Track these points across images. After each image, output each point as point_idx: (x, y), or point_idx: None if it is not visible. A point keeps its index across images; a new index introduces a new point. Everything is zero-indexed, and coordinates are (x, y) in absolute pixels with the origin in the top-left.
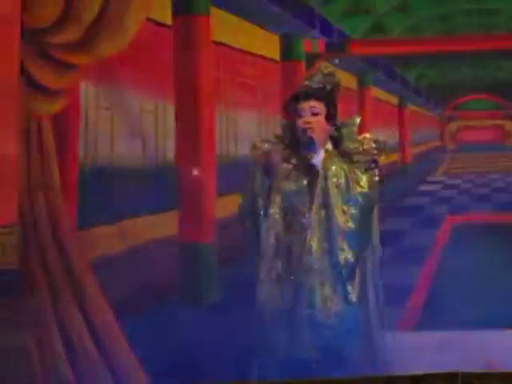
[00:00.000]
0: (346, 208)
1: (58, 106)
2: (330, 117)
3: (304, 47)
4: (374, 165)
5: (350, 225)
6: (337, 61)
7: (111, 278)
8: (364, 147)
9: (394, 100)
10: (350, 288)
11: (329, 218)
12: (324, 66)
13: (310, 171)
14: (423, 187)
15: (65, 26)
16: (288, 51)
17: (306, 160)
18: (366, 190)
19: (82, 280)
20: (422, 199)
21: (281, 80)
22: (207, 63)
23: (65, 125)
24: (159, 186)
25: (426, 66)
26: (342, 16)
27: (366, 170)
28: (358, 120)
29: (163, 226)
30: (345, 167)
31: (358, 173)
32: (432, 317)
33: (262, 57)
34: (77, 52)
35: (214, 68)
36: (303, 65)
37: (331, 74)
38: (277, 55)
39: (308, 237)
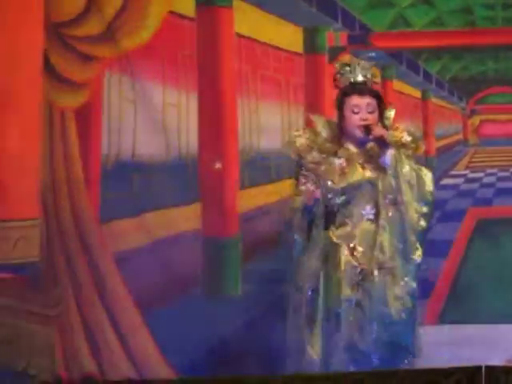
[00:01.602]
0: (417, 207)
1: (81, 98)
2: (381, 113)
3: (327, 40)
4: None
5: (422, 223)
6: (373, 54)
7: (134, 271)
8: (403, 140)
9: (417, 93)
10: (415, 284)
11: (401, 216)
12: (357, 60)
13: (371, 166)
14: (446, 181)
15: (88, 19)
16: (311, 44)
17: (366, 155)
18: (433, 187)
19: (105, 273)
20: (445, 193)
21: (304, 73)
22: (230, 56)
23: (88, 118)
24: (182, 179)
25: (448, 60)
26: (364, 8)
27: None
28: (393, 112)
29: (186, 219)
30: (413, 165)
31: (423, 169)
32: (455, 310)
33: (284, 49)
34: (100, 45)
35: (237, 61)
36: (326, 58)
37: (369, 67)
38: (300, 48)
39: (378, 234)
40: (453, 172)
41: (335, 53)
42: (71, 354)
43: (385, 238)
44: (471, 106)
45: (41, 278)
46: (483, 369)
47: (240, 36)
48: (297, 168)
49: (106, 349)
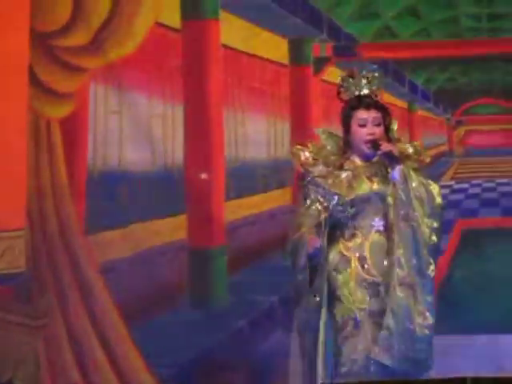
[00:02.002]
0: (428, 221)
1: (67, 109)
2: (387, 126)
3: (312, 51)
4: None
5: (434, 238)
6: (375, 67)
7: (120, 281)
8: (406, 152)
9: (403, 104)
10: (431, 299)
11: (414, 232)
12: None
13: (378, 179)
14: None
15: (74, 29)
16: (297, 55)
17: (373, 168)
18: (441, 201)
19: (91, 284)
20: None
21: (289, 84)
22: (216, 67)
23: (74, 128)
24: (168, 190)
25: (434, 70)
26: (350, 19)
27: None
28: (395, 124)
29: (172, 229)
30: (422, 179)
31: (431, 182)
32: (442, 321)
33: (270, 61)
34: (86, 55)
35: (223, 72)
36: (311, 69)
37: (376, 79)
38: (285, 59)
39: (393, 250)
40: (439, 183)
41: (321, 64)
42: (57, 364)
43: (401, 254)
44: (457, 116)
45: (27, 288)
46: (468, 380)
47: (226, 47)
48: (302, 182)
49: (92, 360)
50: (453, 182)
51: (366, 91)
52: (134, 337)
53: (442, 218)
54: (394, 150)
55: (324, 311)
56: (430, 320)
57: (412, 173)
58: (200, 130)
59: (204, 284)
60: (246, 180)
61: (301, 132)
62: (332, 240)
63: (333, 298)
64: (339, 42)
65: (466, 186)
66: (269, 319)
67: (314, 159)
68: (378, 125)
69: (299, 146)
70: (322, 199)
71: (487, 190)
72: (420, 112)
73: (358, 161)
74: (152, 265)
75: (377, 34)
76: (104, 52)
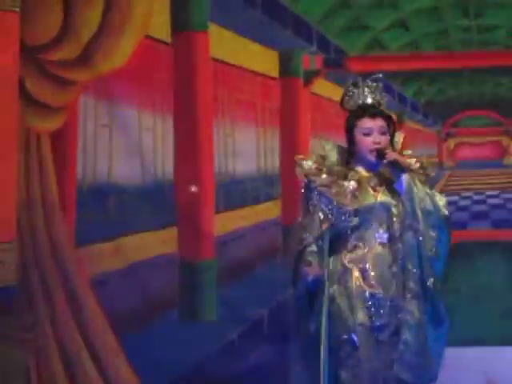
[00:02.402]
0: (432, 233)
1: (56, 122)
2: (393, 134)
3: (302, 64)
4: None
5: (436, 251)
6: (380, 75)
7: (110, 294)
8: (412, 167)
9: (393, 116)
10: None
11: (419, 242)
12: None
13: (383, 189)
14: None
15: (63, 42)
16: (287, 67)
17: (378, 178)
18: (447, 213)
19: (81, 297)
20: None
21: (279, 96)
22: (206, 80)
23: (64, 141)
24: (158, 203)
25: (424, 83)
26: (340, 32)
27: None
28: (402, 137)
29: (162, 243)
30: (427, 190)
31: (437, 194)
32: None
33: (260, 73)
34: (75, 69)
35: (213, 85)
36: (301, 81)
37: (380, 88)
38: (276, 71)
39: (404, 262)
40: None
41: (311, 76)
42: (47, 377)
43: (410, 265)
44: (447, 128)
45: (16, 301)
46: None
47: (216, 60)
48: (305, 192)
49: (82, 373)
50: (443, 195)
51: (369, 100)
52: (124, 350)
53: (449, 230)
54: (400, 158)
55: (324, 335)
56: (437, 330)
57: (418, 183)
58: (190, 143)
59: (194, 297)
60: (235, 193)
61: (291, 144)
62: (334, 251)
63: (331, 313)
64: (329, 54)
65: (455, 198)
66: (259, 332)
67: (317, 169)
68: (384, 133)
69: (302, 156)
70: (325, 208)
71: (477, 203)
72: (410, 124)
73: (362, 171)
74: (142, 278)
75: (366, 47)
76: (94, 65)
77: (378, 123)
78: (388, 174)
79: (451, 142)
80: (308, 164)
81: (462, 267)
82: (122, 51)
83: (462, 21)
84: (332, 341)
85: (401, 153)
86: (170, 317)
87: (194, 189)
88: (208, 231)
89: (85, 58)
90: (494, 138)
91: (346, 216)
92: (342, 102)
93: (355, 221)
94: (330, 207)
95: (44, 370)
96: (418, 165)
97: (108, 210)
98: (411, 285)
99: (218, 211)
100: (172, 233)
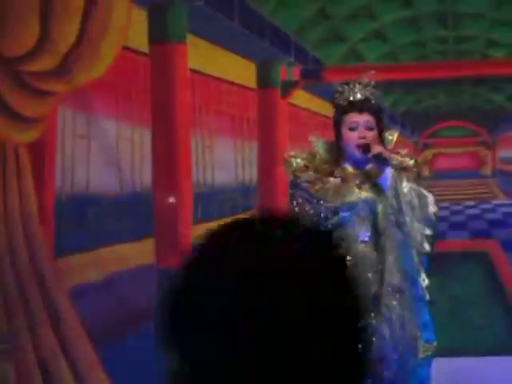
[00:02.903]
0: (421, 228)
1: (34, 133)
2: (381, 132)
3: (280, 75)
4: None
5: (426, 246)
6: (372, 72)
7: (89, 306)
8: (405, 164)
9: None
10: (423, 307)
11: (405, 237)
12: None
13: (368, 186)
14: None
15: (41, 54)
16: (264, 79)
17: (364, 175)
18: (436, 209)
19: (60, 308)
20: None
21: (257, 107)
22: (184, 91)
23: (42, 153)
24: (136, 214)
25: (401, 93)
26: (317, 43)
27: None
28: (395, 135)
29: (140, 253)
30: (414, 186)
31: (424, 191)
32: None
33: (238, 84)
34: (53, 80)
35: (191, 96)
36: (279, 92)
37: (371, 85)
38: (253, 82)
39: (388, 257)
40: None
41: (288, 87)
42: None
43: (392, 260)
44: (424, 139)
45: None
46: None
47: (194, 71)
48: (291, 189)
49: None
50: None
51: (359, 96)
52: (103, 361)
53: (437, 227)
54: (385, 152)
55: None
56: (421, 331)
57: (403, 177)
58: (168, 154)
59: None
60: (213, 203)
61: (269, 155)
62: None
63: None
64: (306, 65)
65: None
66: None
67: (305, 166)
68: (371, 129)
69: (292, 153)
70: (307, 204)
71: (455, 213)
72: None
73: (349, 168)
74: (121, 289)
75: (344, 58)
76: (72, 76)
77: (364, 118)
78: (375, 170)
79: (429, 153)
80: (296, 161)
81: (440, 277)
82: (99, 62)
83: (439, 31)
84: None
85: (395, 151)
86: (149, 328)
87: (172, 200)
88: (186, 242)
89: (63, 70)
90: (472, 149)
91: (327, 213)
92: (333, 99)
93: (336, 219)
94: (311, 203)
95: (23, 380)
96: (411, 162)
97: (86, 221)
98: (391, 279)
99: (196, 222)
100: (150, 243)
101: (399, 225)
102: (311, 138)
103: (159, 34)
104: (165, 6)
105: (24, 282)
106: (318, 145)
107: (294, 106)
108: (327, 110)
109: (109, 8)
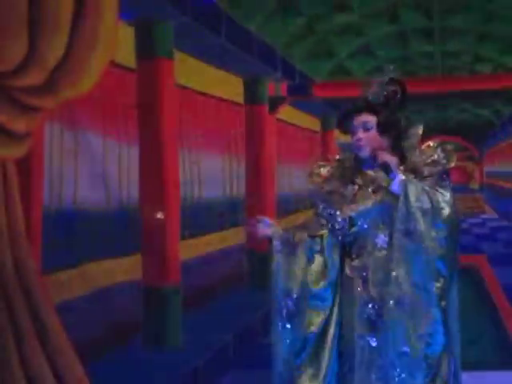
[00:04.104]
0: (434, 233)
1: (22, 149)
2: (383, 129)
3: (268, 90)
4: (446, 176)
5: (442, 251)
6: (391, 67)
7: (75, 321)
8: (433, 158)
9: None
10: (438, 316)
11: (417, 247)
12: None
13: (383, 190)
14: None
15: (29, 69)
16: (252, 94)
17: (376, 181)
18: (451, 209)
19: (47, 324)
20: None
21: (245, 123)
22: (171, 106)
23: (29, 168)
24: (123, 229)
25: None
26: (305, 58)
27: (441, 183)
28: (420, 130)
29: (127, 268)
30: (426, 187)
31: (440, 189)
32: None
33: (225, 100)
34: (41, 95)
35: (178, 111)
36: (266, 108)
37: (390, 82)
38: (241, 98)
39: (392, 267)
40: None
41: (276, 102)
42: None
43: (401, 273)
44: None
45: None
46: None
47: (181, 87)
48: (314, 200)
49: None
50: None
51: (368, 97)
52: (89, 376)
53: (455, 228)
54: (391, 159)
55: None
56: (439, 340)
57: (413, 182)
58: (155, 169)
59: (158, 323)
60: (201, 219)
61: (256, 170)
62: (343, 261)
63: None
64: (294, 80)
65: None
66: (223, 358)
67: (330, 175)
68: (368, 129)
69: (322, 163)
70: (326, 215)
71: None
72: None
73: (368, 172)
74: (107, 304)
75: (331, 73)
76: (60, 92)
77: (361, 119)
78: (380, 174)
79: None
80: (322, 171)
81: None
82: (87, 78)
83: (426, 47)
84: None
85: (420, 145)
86: (135, 343)
87: (159, 215)
88: (173, 257)
89: (50, 85)
90: (459, 164)
91: (344, 223)
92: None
93: (353, 230)
94: (329, 213)
95: None
96: (442, 155)
97: (73, 236)
98: (401, 293)
99: (183, 237)
100: (137, 259)
101: (409, 233)
102: (337, 143)
103: (146, 50)
104: (152, 22)
105: (11, 298)
106: (346, 151)
107: (282, 121)
108: (315, 125)
109: (96, 24)
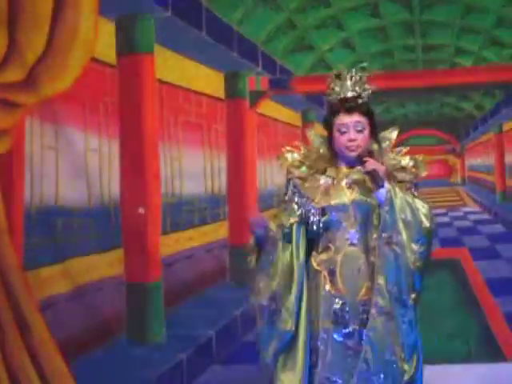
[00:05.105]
0: (414, 246)
1: (3, 146)
2: (373, 132)
3: (248, 85)
4: (415, 184)
5: (419, 265)
6: (365, 64)
7: (58, 317)
8: (402, 164)
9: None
10: (413, 330)
11: (397, 257)
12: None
13: (359, 187)
14: None
15: (9, 65)
16: (233, 89)
17: (357, 175)
18: (430, 222)
19: (30, 320)
20: None
21: (226, 117)
22: (152, 102)
23: (10, 165)
24: (105, 225)
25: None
26: (285, 53)
27: (411, 191)
28: (395, 134)
29: (109, 264)
30: (408, 199)
31: (419, 201)
32: None
33: (206, 95)
34: (21, 92)
35: (159, 107)
36: (247, 103)
37: (363, 81)
38: (222, 93)
39: (378, 277)
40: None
41: (257, 97)
42: None
43: (382, 281)
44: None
45: None
46: None
47: (161, 82)
48: (286, 183)
49: None
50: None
51: (350, 94)
52: (73, 373)
53: (431, 242)
54: (380, 168)
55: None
56: (414, 351)
57: (398, 192)
58: (136, 165)
59: (141, 318)
60: (182, 214)
61: (238, 165)
62: (310, 253)
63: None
64: (274, 75)
65: None
66: (206, 353)
67: (300, 161)
68: (361, 130)
69: (289, 148)
70: (297, 201)
71: None
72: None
73: (343, 167)
74: (90, 300)
75: (312, 67)
76: (39, 88)
77: (353, 119)
78: (364, 176)
79: None
80: (293, 156)
81: None
82: (67, 74)
83: (407, 40)
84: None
85: (393, 149)
86: (118, 339)
87: (140, 210)
88: (154, 253)
89: (30, 81)
90: (441, 157)
91: (315, 213)
92: (325, 95)
93: (324, 219)
94: (301, 200)
95: None
96: (411, 163)
97: (55, 232)
98: (380, 301)
99: (164, 232)
100: (119, 255)
101: (392, 243)
102: (309, 133)
103: (127, 45)
104: (132, 17)
105: None
106: (316, 140)
107: (263, 115)
108: (296, 119)
109: (76, 20)
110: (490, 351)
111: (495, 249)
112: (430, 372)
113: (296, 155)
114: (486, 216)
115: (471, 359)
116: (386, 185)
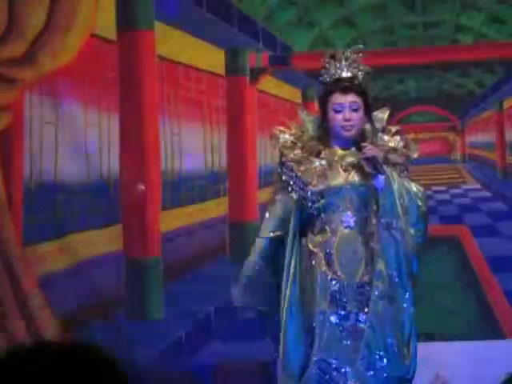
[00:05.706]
0: (413, 231)
1: (3, 121)
2: (368, 111)
3: (249, 61)
4: (408, 165)
5: (416, 249)
6: (361, 46)
7: (58, 293)
8: (391, 145)
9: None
10: (411, 312)
11: (397, 242)
12: (347, 52)
13: (355, 170)
14: None
15: (9, 41)
16: (233, 65)
17: (353, 157)
18: (426, 206)
19: (30, 296)
20: None
21: (226, 94)
22: (151, 78)
23: (10, 141)
24: (104, 200)
25: (370, 79)
26: (285, 29)
27: (405, 173)
28: (386, 114)
29: (109, 240)
30: (406, 183)
31: (415, 185)
32: None
33: (206, 71)
34: (21, 67)
35: (159, 83)
36: (247, 79)
37: (358, 61)
38: (222, 69)
39: (378, 261)
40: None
41: (257, 73)
42: None
43: (383, 267)
44: (393, 125)
45: None
46: None
47: (162, 58)
48: (278, 167)
49: None
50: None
51: (345, 74)
52: None
53: (427, 225)
54: (379, 154)
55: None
56: (408, 337)
57: (396, 177)
58: (136, 141)
59: (140, 295)
60: (182, 190)
61: (238, 141)
62: (304, 234)
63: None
64: (275, 51)
65: None
66: (205, 329)
67: (292, 142)
68: (356, 110)
69: (281, 128)
70: (293, 185)
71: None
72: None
73: (337, 149)
74: (89, 276)
75: (312, 44)
76: (39, 64)
77: (349, 99)
78: (360, 159)
79: None
80: (285, 137)
81: None
82: (67, 49)
83: (408, 17)
84: (301, 327)
85: (385, 129)
86: (117, 315)
87: (140, 186)
88: (154, 229)
89: (30, 57)
90: (441, 134)
91: (313, 197)
92: (320, 75)
93: (321, 202)
94: (296, 184)
95: None
96: (402, 143)
97: (55, 208)
98: (380, 286)
99: (164, 208)
100: (118, 230)
101: (391, 228)
102: (300, 113)
103: (127, 21)
104: None
105: None
106: (307, 120)
107: (263, 92)
108: (296, 96)
109: None
110: (489, 329)
111: (495, 226)
112: (429, 349)
113: (288, 136)
114: (486, 193)
115: (470, 336)
116: (386, 171)
